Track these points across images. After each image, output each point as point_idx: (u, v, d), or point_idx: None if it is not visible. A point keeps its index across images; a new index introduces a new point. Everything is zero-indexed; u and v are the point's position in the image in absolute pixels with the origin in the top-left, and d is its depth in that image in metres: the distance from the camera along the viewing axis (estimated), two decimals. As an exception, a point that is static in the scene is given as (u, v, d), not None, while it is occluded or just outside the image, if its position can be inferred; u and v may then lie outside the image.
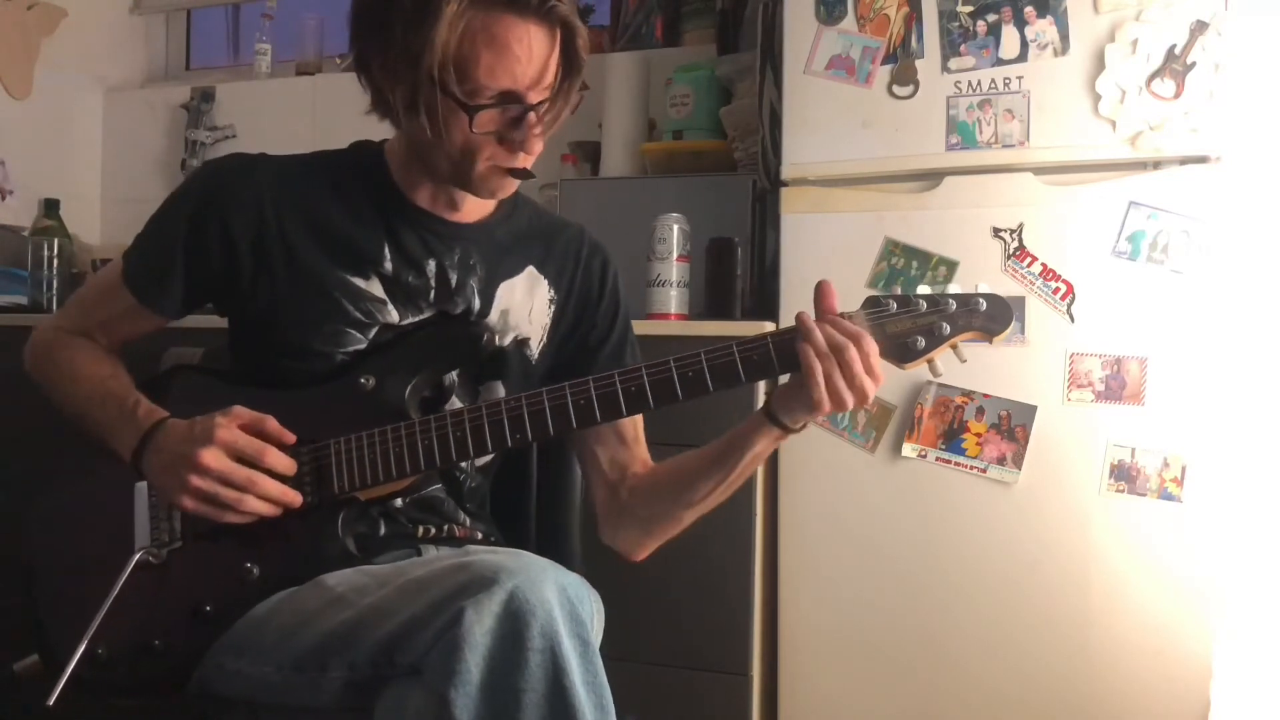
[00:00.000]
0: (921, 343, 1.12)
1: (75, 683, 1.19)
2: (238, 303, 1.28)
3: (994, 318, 1.13)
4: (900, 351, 1.12)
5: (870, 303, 1.14)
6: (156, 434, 1.18)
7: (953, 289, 1.15)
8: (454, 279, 1.28)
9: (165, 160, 3.29)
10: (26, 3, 3.11)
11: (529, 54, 1.12)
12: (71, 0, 3.21)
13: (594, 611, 1.10)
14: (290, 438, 1.17)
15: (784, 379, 1.15)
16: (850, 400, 1.09)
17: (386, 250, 1.26)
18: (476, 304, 1.28)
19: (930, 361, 1.13)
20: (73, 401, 1.28)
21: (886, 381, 1.13)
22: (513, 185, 1.23)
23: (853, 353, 1.08)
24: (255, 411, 1.17)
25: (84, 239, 3.14)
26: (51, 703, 1.14)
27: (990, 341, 1.15)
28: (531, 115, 1.15)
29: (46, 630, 1.22)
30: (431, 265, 1.27)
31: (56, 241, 2.80)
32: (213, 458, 1.12)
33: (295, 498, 1.16)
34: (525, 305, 1.32)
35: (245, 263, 1.24)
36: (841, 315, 1.13)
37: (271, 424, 1.17)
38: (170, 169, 3.25)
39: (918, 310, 1.13)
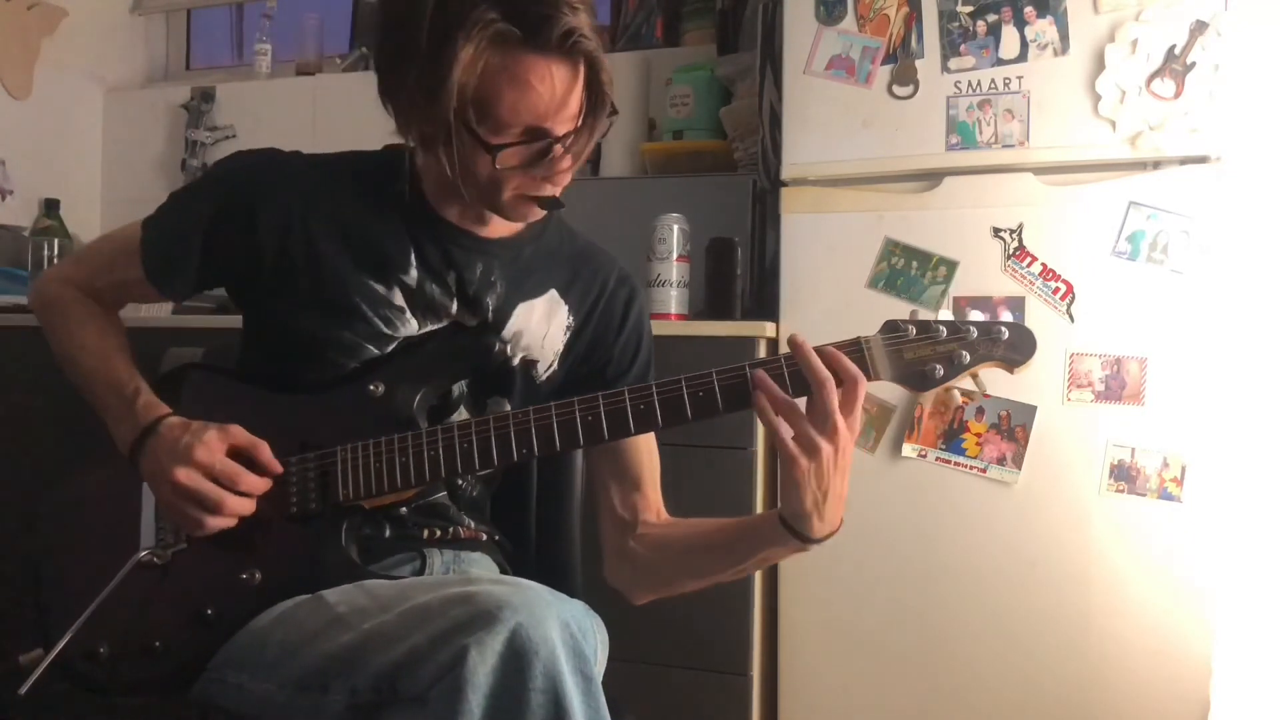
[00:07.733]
0: (940, 371, 1.08)
1: (77, 679, 1.20)
2: (255, 298, 1.27)
3: (1016, 347, 1.08)
4: (918, 380, 1.08)
5: (888, 327, 1.09)
6: (150, 436, 1.17)
7: (973, 316, 1.10)
8: (472, 293, 1.26)
9: (165, 160, 3.29)
10: (26, 3, 3.11)
11: (552, 91, 1.09)
12: (71, 0, 3.21)
13: (598, 643, 1.09)
14: (278, 468, 1.17)
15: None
16: (822, 445, 1.05)
17: (413, 258, 1.24)
18: (490, 321, 1.26)
19: (949, 391, 1.10)
20: (76, 372, 1.28)
21: (886, 382, 1.11)
22: (540, 213, 1.21)
23: (829, 391, 1.04)
24: (251, 437, 1.16)
25: (84, 239, 3.14)
26: (23, 692, 1.14)
27: (1011, 372, 1.10)
28: (558, 148, 1.12)
29: (49, 624, 1.22)
30: (453, 277, 1.25)
31: (56, 241, 2.80)
32: (185, 476, 1.13)
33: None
34: (541, 329, 1.29)
35: (266, 259, 1.23)
36: (857, 339, 1.09)
37: (264, 452, 1.16)
38: (170, 169, 3.24)
39: (937, 336, 1.08)
